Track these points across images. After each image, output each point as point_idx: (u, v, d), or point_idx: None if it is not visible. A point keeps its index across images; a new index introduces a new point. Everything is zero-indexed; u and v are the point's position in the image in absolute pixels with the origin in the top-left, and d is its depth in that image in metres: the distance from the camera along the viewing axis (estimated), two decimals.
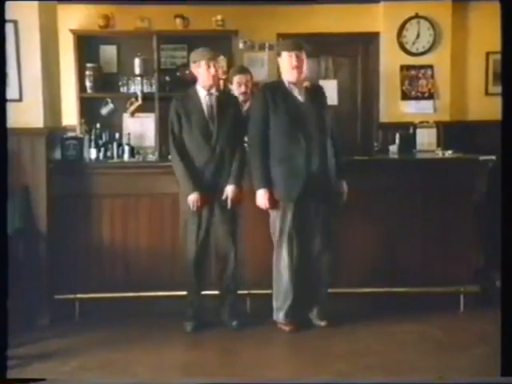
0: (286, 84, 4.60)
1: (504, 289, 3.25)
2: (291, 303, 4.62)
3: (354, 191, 4.64)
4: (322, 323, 4.66)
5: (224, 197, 4.57)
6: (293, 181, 4.50)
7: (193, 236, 4.61)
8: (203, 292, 4.74)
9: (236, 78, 5.34)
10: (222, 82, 5.43)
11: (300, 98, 4.58)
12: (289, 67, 4.55)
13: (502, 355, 3.19)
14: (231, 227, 4.65)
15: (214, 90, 4.67)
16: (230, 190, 4.57)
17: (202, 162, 4.58)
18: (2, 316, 3.54)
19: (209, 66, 4.61)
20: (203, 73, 4.63)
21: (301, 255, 4.59)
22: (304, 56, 4.56)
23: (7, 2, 3.59)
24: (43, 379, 3.60)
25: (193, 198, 4.53)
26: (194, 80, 4.82)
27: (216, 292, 4.78)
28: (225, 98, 4.76)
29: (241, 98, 5.23)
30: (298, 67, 4.52)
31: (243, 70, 5.48)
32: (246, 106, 5.22)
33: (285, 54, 4.57)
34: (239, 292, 4.82)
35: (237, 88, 5.30)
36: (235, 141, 4.63)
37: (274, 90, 4.62)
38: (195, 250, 4.62)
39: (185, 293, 4.75)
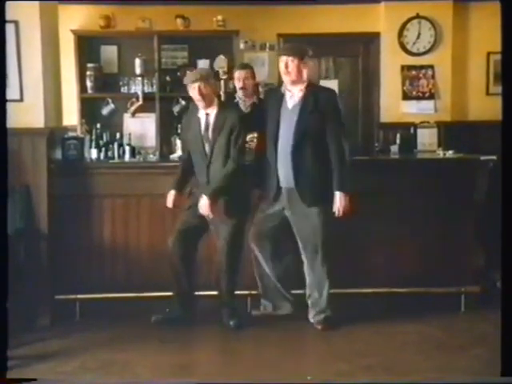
0: (282, 89, 4.63)
1: (504, 289, 3.25)
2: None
3: (355, 193, 4.62)
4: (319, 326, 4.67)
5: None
6: (267, 185, 4.62)
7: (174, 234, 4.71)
8: (199, 293, 4.79)
9: (236, 74, 5.37)
10: (243, 90, 5.24)
11: (289, 104, 4.55)
12: (281, 72, 4.57)
13: (501, 355, 3.19)
14: (223, 233, 4.60)
15: (210, 110, 4.62)
16: (201, 203, 4.54)
17: (202, 178, 4.63)
18: (2, 316, 3.53)
19: (194, 89, 4.56)
20: (193, 96, 4.63)
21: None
22: (297, 61, 4.49)
23: (8, 2, 3.59)
24: (34, 379, 3.59)
25: (169, 194, 4.67)
26: None
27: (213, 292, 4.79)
28: (223, 115, 4.60)
29: (240, 94, 5.25)
30: (288, 73, 4.50)
31: (242, 66, 5.49)
32: (247, 102, 5.23)
33: (280, 59, 4.58)
34: (240, 292, 4.82)
35: (237, 83, 5.32)
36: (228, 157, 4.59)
37: (272, 94, 4.75)
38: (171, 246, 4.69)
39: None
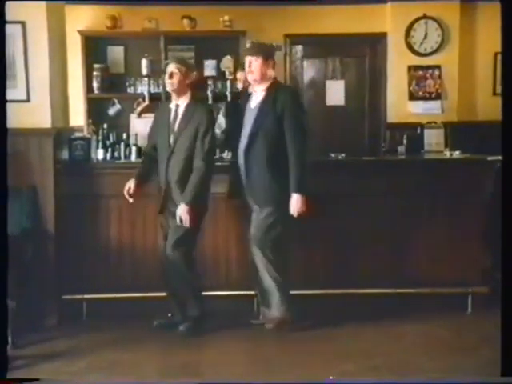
0: (250, 89, 4.69)
1: (504, 289, 3.24)
2: None
3: (362, 193, 4.60)
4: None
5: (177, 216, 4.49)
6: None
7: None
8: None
9: (237, 75, 5.41)
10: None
11: (252, 104, 4.57)
12: (245, 71, 4.60)
13: (502, 355, 3.19)
14: (174, 236, 4.56)
15: (181, 101, 4.59)
16: (180, 209, 4.48)
17: (162, 171, 4.59)
18: (3, 316, 3.54)
19: (166, 73, 4.56)
20: (166, 82, 4.64)
21: None
22: (260, 61, 4.48)
23: (11, 2, 3.59)
24: (37, 379, 3.60)
25: (128, 183, 4.65)
26: (200, 82, 4.85)
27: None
28: (193, 109, 4.56)
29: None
30: (251, 72, 4.51)
31: (243, 67, 5.49)
32: None
33: (245, 59, 4.62)
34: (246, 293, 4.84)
35: (238, 84, 5.35)
36: (192, 157, 4.51)
37: (245, 94, 4.80)
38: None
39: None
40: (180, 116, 4.58)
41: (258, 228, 4.53)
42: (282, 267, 4.58)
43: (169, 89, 4.59)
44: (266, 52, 4.56)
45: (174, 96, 4.60)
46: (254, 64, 4.50)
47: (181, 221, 4.45)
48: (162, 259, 4.62)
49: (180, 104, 4.60)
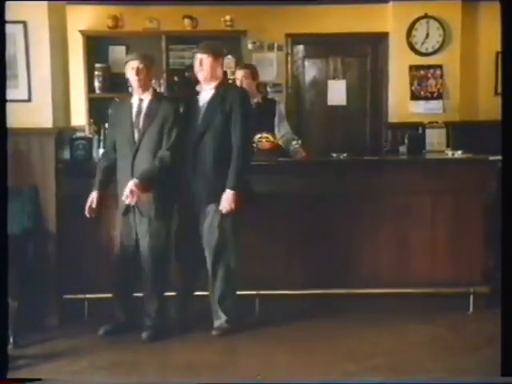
0: (198, 88, 4.67)
1: (504, 289, 3.24)
2: None
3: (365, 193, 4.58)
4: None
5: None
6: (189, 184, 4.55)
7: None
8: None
9: (236, 74, 5.42)
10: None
11: (201, 102, 4.53)
12: (195, 70, 4.57)
13: (502, 355, 3.18)
14: (143, 240, 4.50)
15: (144, 96, 4.49)
16: (128, 185, 4.36)
17: (123, 170, 4.48)
18: (3, 316, 3.55)
19: (132, 69, 4.45)
20: (129, 76, 4.52)
21: None
22: (210, 59, 4.48)
23: (11, 2, 3.59)
24: (39, 379, 3.60)
25: (91, 195, 4.55)
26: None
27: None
28: (157, 105, 4.48)
29: None
30: (202, 70, 4.49)
31: (241, 66, 5.55)
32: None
33: (195, 56, 4.58)
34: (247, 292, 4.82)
35: (237, 83, 5.35)
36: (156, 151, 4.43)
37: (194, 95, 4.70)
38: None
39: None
40: (144, 111, 4.47)
41: (206, 227, 4.51)
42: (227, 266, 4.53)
43: (135, 85, 4.47)
44: (216, 50, 4.56)
45: (137, 91, 4.49)
46: (204, 62, 4.49)
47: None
48: (131, 258, 4.54)
49: (144, 99, 4.50)
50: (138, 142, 4.44)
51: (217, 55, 4.54)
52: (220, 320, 4.57)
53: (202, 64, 4.50)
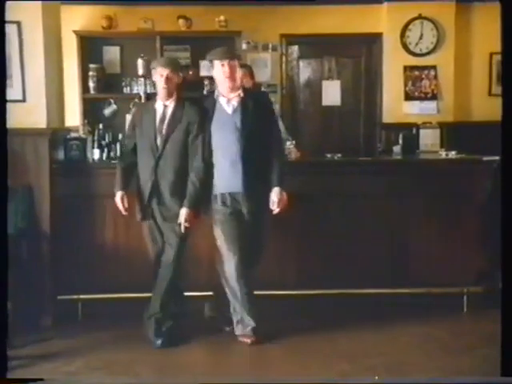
0: (215, 95, 4.49)
1: (504, 289, 3.24)
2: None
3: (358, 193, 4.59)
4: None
5: (178, 221, 4.37)
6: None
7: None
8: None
9: None
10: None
11: (228, 110, 4.41)
12: (222, 76, 4.41)
13: (502, 355, 3.19)
14: (176, 242, 4.45)
15: (168, 102, 4.45)
16: (182, 214, 4.37)
17: (145, 175, 4.45)
18: (2, 316, 3.54)
19: (161, 76, 4.42)
20: (157, 83, 4.50)
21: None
22: (237, 64, 4.44)
23: (10, 3, 3.59)
24: (41, 379, 3.60)
25: (117, 197, 4.50)
26: (197, 81, 4.81)
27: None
28: (181, 111, 4.45)
29: None
30: (231, 76, 4.38)
31: (240, 66, 5.49)
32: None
33: (217, 63, 4.43)
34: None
35: None
36: (185, 159, 4.40)
37: (204, 101, 4.58)
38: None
39: (187, 293, 4.75)
40: (168, 117, 4.45)
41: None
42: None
43: (162, 92, 4.44)
44: (238, 55, 4.61)
45: (162, 97, 4.46)
46: (233, 67, 4.39)
47: (180, 224, 4.36)
48: (156, 262, 4.53)
49: (168, 105, 4.47)
50: (161, 148, 4.40)
51: (239, 59, 4.53)
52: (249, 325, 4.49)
53: (232, 70, 4.38)
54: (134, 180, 4.56)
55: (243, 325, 4.44)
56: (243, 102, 4.42)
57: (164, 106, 4.47)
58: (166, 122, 4.44)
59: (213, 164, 4.40)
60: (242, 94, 4.44)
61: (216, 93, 4.50)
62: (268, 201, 4.38)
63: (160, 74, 4.43)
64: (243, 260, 4.40)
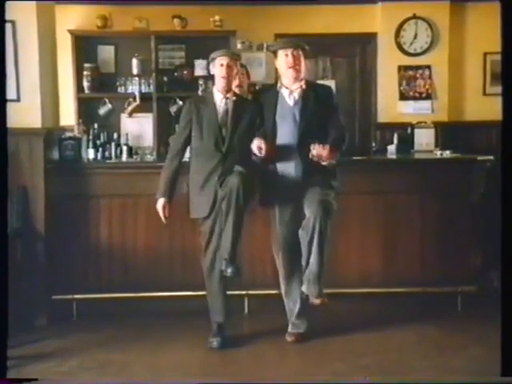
0: (277, 86, 4.44)
1: (503, 289, 3.25)
2: None
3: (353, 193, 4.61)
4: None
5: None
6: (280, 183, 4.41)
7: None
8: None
9: None
10: (239, 88, 4.78)
11: (289, 102, 4.37)
12: (284, 66, 4.36)
13: (502, 355, 3.19)
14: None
15: (230, 95, 4.37)
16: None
17: (209, 169, 4.31)
18: (2, 316, 3.53)
19: (221, 65, 4.33)
20: (216, 73, 4.38)
21: None
22: (302, 54, 4.35)
23: (6, 2, 3.59)
24: (36, 379, 3.60)
25: (159, 204, 4.39)
26: (192, 80, 4.80)
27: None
28: (242, 104, 4.41)
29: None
30: (295, 66, 4.32)
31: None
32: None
33: (280, 53, 4.37)
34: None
35: None
36: (247, 150, 4.32)
37: (265, 93, 4.60)
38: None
39: (182, 293, 4.74)
40: (231, 110, 4.34)
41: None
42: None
43: (222, 82, 4.33)
44: (303, 46, 4.42)
45: (223, 89, 4.36)
46: (297, 58, 4.31)
47: None
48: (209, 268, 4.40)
49: (229, 97, 4.37)
50: (228, 142, 4.31)
51: (306, 54, 4.41)
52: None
53: (295, 59, 4.31)
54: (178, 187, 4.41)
55: None
56: (305, 95, 4.37)
57: (226, 98, 4.38)
58: (230, 114, 4.35)
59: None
60: (304, 86, 4.38)
61: (278, 84, 4.46)
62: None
63: (220, 64, 4.35)
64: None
